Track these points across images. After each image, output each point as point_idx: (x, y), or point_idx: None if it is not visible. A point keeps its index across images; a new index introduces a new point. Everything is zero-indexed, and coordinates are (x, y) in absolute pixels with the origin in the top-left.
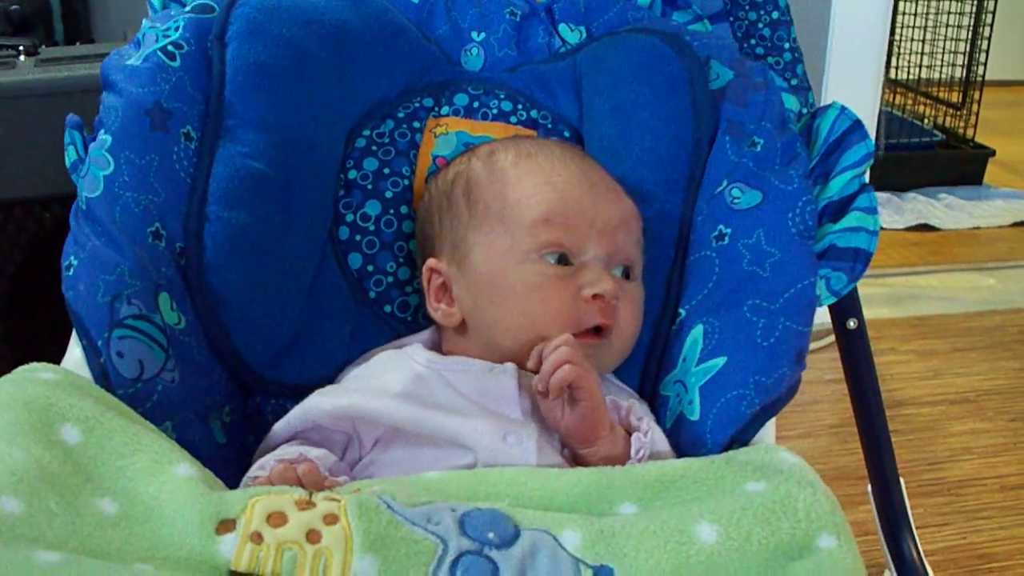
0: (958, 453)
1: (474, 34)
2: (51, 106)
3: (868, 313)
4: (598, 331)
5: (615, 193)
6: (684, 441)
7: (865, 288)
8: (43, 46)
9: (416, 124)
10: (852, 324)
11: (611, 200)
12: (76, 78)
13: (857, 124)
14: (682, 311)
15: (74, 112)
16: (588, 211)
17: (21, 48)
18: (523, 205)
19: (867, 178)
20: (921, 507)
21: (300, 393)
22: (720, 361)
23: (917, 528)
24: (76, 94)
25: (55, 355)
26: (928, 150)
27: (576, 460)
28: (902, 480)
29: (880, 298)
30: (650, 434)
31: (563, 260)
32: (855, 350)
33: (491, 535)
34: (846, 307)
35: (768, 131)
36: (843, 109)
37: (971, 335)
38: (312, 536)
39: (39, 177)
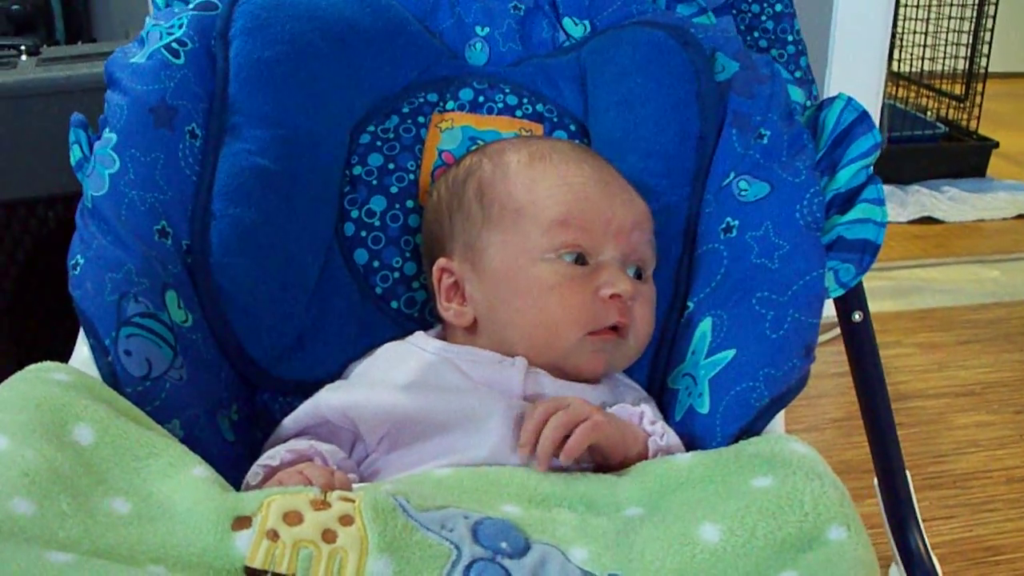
0: (964, 446)
1: (478, 29)
2: (53, 105)
3: (872, 306)
4: (614, 330)
5: (628, 194)
6: (694, 434)
7: (869, 281)
8: (44, 45)
9: (421, 119)
10: (857, 317)
11: (626, 201)
12: (78, 77)
13: (864, 115)
14: (690, 304)
15: (76, 111)
16: (604, 212)
17: (23, 48)
18: (540, 206)
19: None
20: (927, 500)
21: (307, 390)
22: (729, 354)
23: (923, 521)
24: (78, 93)
25: (60, 353)
26: (931, 143)
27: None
28: (908, 473)
29: (884, 291)
30: (665, 437)
31: (580, 260)
32: (860, 344)
33: (503, 544)
34: (851, 301)
35: (775, 123)
36: (849, 100)
37: (976, 327)
38: (328, 536)
39: (42, 176)
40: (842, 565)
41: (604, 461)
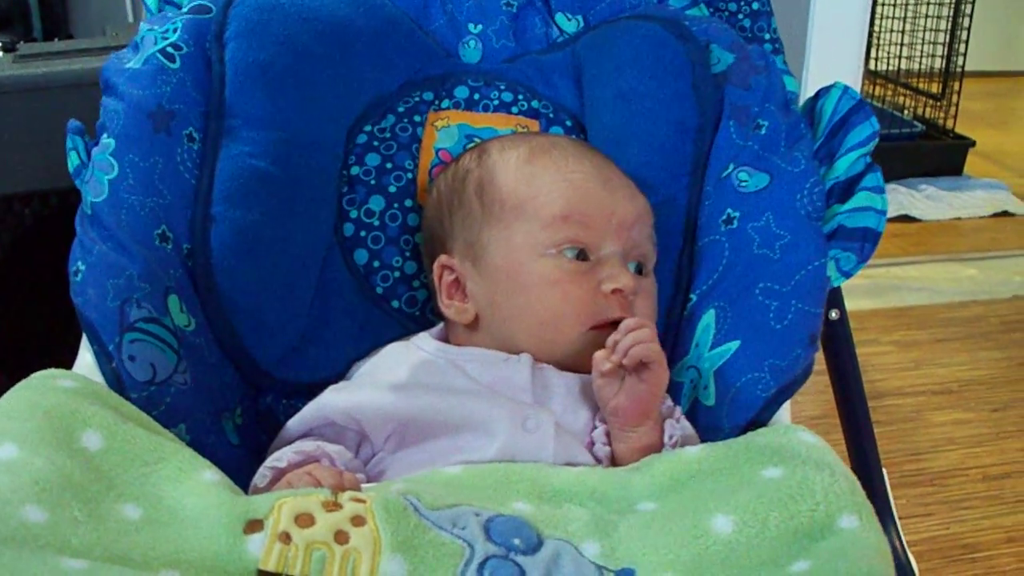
0: (940, 443)
1: (471, 26)
2: (30, 102)
3: (850, 304)
4: (616, 324)
5: (629, 189)
6: (701, 427)
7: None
8: (21, 42)
9: (417, 118)
10: (834, 315)
11: (626, 196)
12: (55, 74)
13: (861, 103)
14: (693, 296)
15: (54, 108)
16: (605, 207)
17: None
18: (541, 201)
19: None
20: (904, 498)
21: (310, 391)
22: (733, 345)
23: (900, 519)
24: (55, 90)
25: (35, 347)
26: (908, 141)
27: (613, 446)
28: (885, 471)
29: (862, 289)
30: (681, 421)
31: (581, 256)
32: (837, 341)
33: (516, 541)
34: (828, 298)
35: (772, 113)
36: (846, 89)
37: (952, 325)
38: (340, 537)
39: (19, 173)
40: (855, 553)
41: (623, 421)
